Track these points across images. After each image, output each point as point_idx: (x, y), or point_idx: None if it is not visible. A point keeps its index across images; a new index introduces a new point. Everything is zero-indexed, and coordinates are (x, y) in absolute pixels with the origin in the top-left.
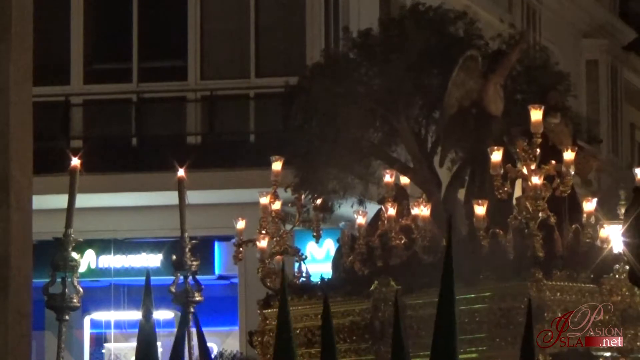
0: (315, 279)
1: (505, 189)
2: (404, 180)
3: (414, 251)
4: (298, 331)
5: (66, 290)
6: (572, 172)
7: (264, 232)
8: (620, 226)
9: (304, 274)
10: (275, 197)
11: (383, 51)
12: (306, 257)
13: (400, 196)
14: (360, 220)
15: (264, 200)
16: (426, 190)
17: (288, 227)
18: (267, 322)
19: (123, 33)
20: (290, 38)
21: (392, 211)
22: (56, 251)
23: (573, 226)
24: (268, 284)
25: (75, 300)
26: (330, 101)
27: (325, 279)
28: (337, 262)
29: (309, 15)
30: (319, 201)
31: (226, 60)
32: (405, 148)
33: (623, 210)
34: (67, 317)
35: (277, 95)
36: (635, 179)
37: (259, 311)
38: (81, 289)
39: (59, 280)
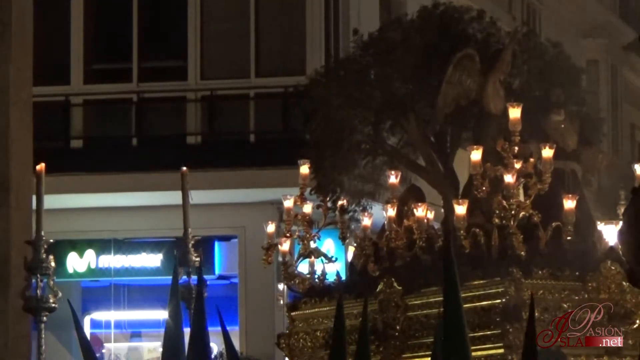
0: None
1: (484, 188)
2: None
3: (415, 252)
4: (318, 333)
5: (42, 292)
6: (551, 169)
7: (287, 234)
8: (619, 226)
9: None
10: (303, 200)
11: (391, 51)
12: (336, 259)
13: (412, 197)
14: (366, 221)
15: (288, 203)
16: (440, 190)
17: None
18: (295, 324)
19: (123, 33)
20: (290, 38)
21: (391, 212)
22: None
23: (554, 224)
24: (291, 286)
25: (51, 301)
26: (338, 104)
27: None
28: (352, 264)
29: (309, 15)
30: (340, 203)
31: (226, 60)
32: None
33: (622, 210)
34: (44, 319)
35: (277, 95)
36: (635, 177)
37: (287, 313)
38: (59, 292)
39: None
